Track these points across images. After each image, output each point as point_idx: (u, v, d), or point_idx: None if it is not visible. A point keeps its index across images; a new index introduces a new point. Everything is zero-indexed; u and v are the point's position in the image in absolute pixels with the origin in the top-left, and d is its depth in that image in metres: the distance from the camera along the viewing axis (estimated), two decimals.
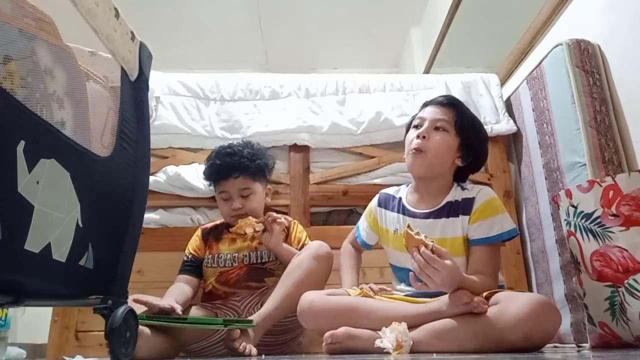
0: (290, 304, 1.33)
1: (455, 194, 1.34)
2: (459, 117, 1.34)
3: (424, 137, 1.32)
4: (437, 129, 1.33)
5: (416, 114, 1.43)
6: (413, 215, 1.37)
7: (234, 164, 1.59)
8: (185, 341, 1.39)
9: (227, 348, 1.23)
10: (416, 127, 1.37)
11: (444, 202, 1.33)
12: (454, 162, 1.35)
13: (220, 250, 1.59)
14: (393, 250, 1.40)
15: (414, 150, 1.33)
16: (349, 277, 1.45)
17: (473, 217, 1.28)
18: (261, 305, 1.39)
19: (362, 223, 1.54)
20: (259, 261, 1.56)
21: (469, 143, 1.35)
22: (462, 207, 1.31)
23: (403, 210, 1.40)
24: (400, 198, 1.43)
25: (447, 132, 1.33)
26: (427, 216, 1.34)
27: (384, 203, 1.47)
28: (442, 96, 1.42)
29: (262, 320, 1.31)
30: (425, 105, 1.41)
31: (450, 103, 1.37)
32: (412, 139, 1.35)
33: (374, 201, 1.51)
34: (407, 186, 1.47)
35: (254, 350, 1.24)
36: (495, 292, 1.14)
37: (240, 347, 1.19)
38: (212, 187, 1.76)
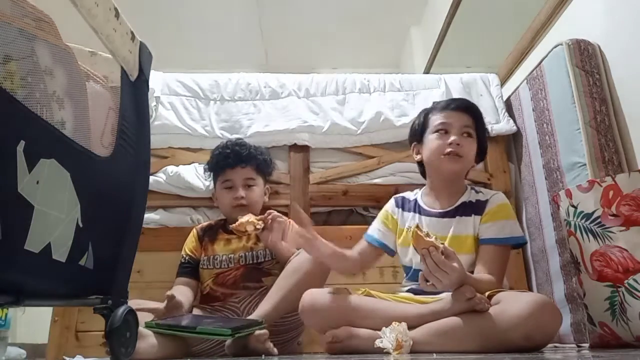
0: (288, 304, 1.33)
1: (470, 195, 1.39)
2: (478, 123, 1.41)
3: (457, 145, 1.35)
4: (464, 134, 1.38)
5: (428, 113, 1.44)
6: (429, 214, 1.40)
7: (243, 153, 1.63)
8: (190, 343, 1.39)
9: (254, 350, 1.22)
10: (440, 131, 1.38)
11: (459, 202, 1.37)
12: (472, 164, 1.42)
13: (216, 252, 1.58)
14: (406, 249, 1.39)
15: (452, 155, 1.34)
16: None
17: (485, 217, 1.32)
18: (258, 303, 1.39)
19: (376, 225, 1.49)
20: (255, 261, 1.56)
21: (483, 146, 1.43)
22: (475, 208, 1.35)
23: (419, 210, 1.43)
24: (415, 199, 1.46)
25: (473, 139, 1.39)
26: (442, 215, 1.38)
27: (402, 204, 1.48)
28: (461, 100, 1.46)
29: None
30: (446, 107, 1.42)
31: (472, 109, 1.42)
32: (444, 143, 1.36)
33: (391, 204, 1.50)
34: (421, 189, 1.50)
35: (275, 350, 1.25)
36: (497, 292, 1.14)
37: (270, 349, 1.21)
38: (211, 186, 1.76)
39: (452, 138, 1.35)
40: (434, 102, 1.50)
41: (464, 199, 1.38)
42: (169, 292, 1.31)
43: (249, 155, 1.64)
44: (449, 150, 1.34)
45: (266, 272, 1.54)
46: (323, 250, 1.29)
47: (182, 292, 1.47)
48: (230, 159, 1.63)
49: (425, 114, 1.46)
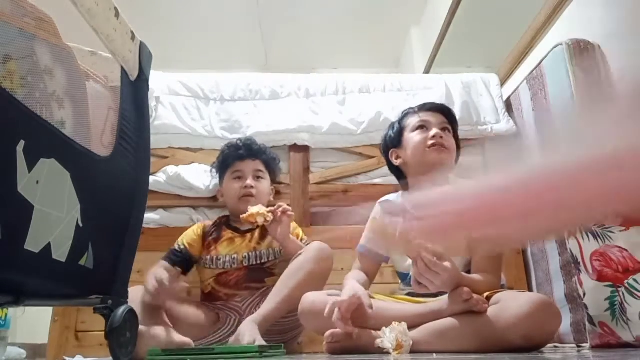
0: (290, 304, 1.33)
1: None
2: (454, 125, 1.44)
3: (441, 137, 1.36)
4: (443, 130, 1.39)
5: (401, 119, 1.46)
6: None
7: (254, 147, 1.71)
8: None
9: None
10: (420, 128, 1.40)
11: None
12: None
13: (219, 252, 1.57)
14: (398, 256, 1.39)
15: (437, 147, 1.35)
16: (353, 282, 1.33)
17: None
18: (260, 303, 1.38)
19: (365, 233, 1.47)
20: (258, 262, 1.55)
21: (458, 148, 1.44)
22: None
23: None
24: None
25: (452, 135, 1.40)
26: None
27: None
28: (436, 104, 1.48)
29: (263, 321, 1.30)
30: (422, 108, 1.45)
31: (447, 111, 1.45)
32: (426, 137, 1.37)
33: (378, 210, 1.47)
34: (404, 192, 1.47)
35: None
36: (496, 292, 1.14)
37: None
38: (211, 186, 1.76)
39: (434, 131, 1.37)
40: (402, 111, 1.51)
41: None
42: (158, 278, 1.25)
43: (260, 150, 1.72)
44: (432, 142, 1.36)
45: (269, 273, 1.54)
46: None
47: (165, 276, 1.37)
48: (242, 151, 1.69)
49: (399, 120, 1.48)
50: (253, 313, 1.36)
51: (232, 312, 1.49)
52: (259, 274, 1.53)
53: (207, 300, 1.55)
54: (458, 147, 1.44)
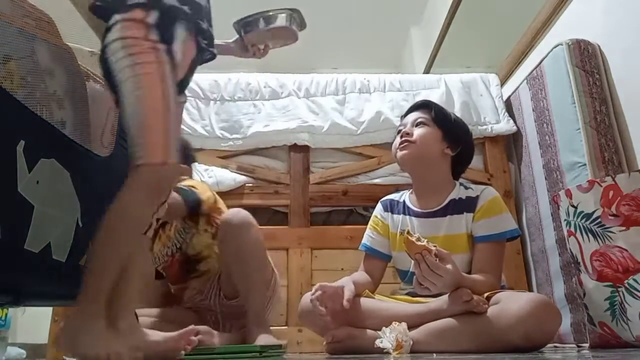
0: (266, 282, 1.33)
1: (459, 192, 1.35)
2: (434, 112, 1.41)
3: (407, 134, 1.37)
4: (417, 125, 1.39)
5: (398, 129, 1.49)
6: (418, 215, 1.37)
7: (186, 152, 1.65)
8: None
9: None
10: (398, 134, 1.43)
11: (447, 200, 1.34)
12: (444, 152, 1.37)
13: (154, 252, 1.54)
14: (399, 254, 1.39)
15: (400, 145, 1.37)
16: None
17: (477, 214, 1.30)
18: (221, 291, 1.39)
19: (368, 233, 1.46)
20: (169, 254, 1.50)
21: (451, 132, 1.39)
22: (466, 205, 1.32)
23: (408, 212, 1.40)
24: (403, 201, 1.43)
25: (427, 125, 1.38)
26: (432, 215, 1.35)
27: (390, 208, 1.45)
28: (415, 103, 1.50)
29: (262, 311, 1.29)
30: (405, 114, 1.48)
31: (422, 104, 1.45)
32: (398, 140, 1.40)
33: (379, 209, 1.47)
34: (408, 190, 1.47)
35: None
36: (496, 292, 1.14)
37: None
38: None
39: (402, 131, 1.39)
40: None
41: (452, 196, 1.35)
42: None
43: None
44: (399, 140, 1.38)
45: (197, 261, 1.48)
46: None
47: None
48: None
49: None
50: (220, 303, 1.38)
51: (209, 314, 1.45)
52: (189, 266, 1.48)
53: (172, 302, 1.53)
54: (448, 130, 1.38)
